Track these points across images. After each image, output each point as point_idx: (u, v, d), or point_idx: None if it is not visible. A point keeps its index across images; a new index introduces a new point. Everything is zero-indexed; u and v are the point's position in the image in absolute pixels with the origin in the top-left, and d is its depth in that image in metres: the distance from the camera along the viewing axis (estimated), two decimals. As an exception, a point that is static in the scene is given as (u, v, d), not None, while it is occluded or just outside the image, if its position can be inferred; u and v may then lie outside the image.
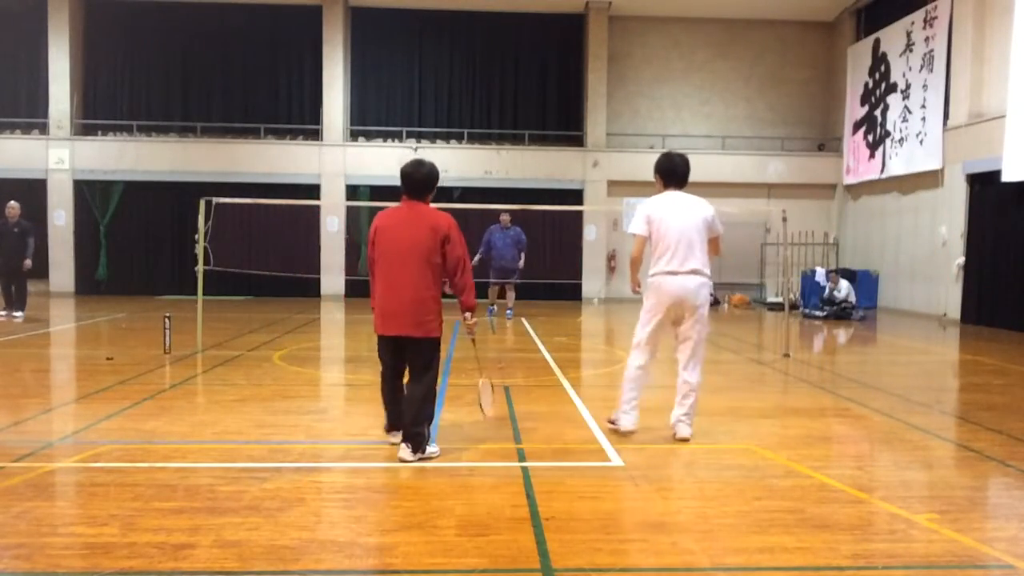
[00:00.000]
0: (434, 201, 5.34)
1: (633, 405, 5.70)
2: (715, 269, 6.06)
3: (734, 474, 4.85)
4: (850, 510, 4.20)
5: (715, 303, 19.07)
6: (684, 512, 4.14)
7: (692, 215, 5.57)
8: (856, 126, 19.57)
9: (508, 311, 14.54)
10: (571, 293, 19.51)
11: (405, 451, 4.94)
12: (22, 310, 13.02)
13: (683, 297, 5.51)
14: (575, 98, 20.84)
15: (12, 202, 13.22)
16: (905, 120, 17.35)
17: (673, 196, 5.70)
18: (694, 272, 5.51)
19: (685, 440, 5.61)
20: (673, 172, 5.76)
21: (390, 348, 5.13)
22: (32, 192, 18.71)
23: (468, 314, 5.17)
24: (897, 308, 17.70)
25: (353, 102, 20.51)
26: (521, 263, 14.25)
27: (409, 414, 4.99)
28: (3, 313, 12.92)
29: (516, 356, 10.45)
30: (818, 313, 16.16)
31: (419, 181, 5.07)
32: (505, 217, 14.15)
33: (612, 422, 5.85)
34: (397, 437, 5.18)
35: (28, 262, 12.97)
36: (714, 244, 5.75)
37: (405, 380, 5.22)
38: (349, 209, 19.58)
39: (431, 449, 5.07)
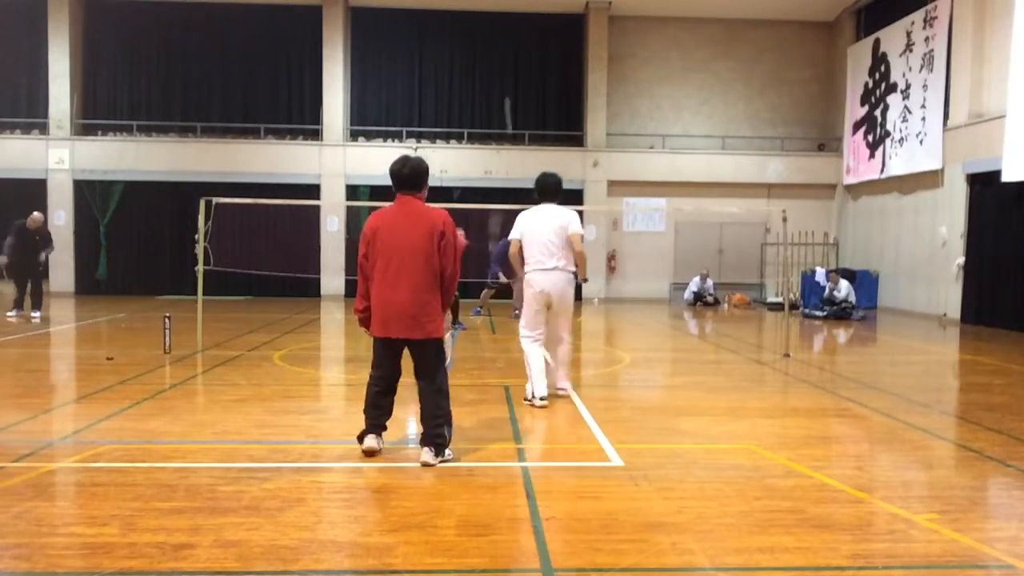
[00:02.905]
0: (434, 201, 5.33)
1: (544, 374, 6.79)
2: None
3: (734, 474, 4.85)
4: (850, 510, 4.20)
5: (715, 303, 19.09)
6: (684, 512, 4.14)
7: (551, 224, 6.72)
8: (856, 126, 19.58)
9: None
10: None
11: (427, 455, 4.84)
12: (39, 309, 13.28)
13: (550, 289, 6.73)
14: (575, 98, 20.84)
15: (36, 214, 13.53)
16: (905, 120, 17.36)
17: (541, 209, 6.83)
18: (556, 269, 6.73)
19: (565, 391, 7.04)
20: (542, 190, 6.91)
21: (389, 350, 5.03)
22: (32, 192, 18.72)
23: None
24: (897, 308, 17.70)
25: (353, 102, 20.52)
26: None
27: (426, 415, 4.93)
28: (12, 314, 13.02)
29: (516, 356, 10.45)
30: (818, 313, 16.16)
31: (407, 177, 5.03)
32: None
33: (529, 399, 6.80)
34: (372, 441, 5.07)
35: (43, 255, 13.41)
36: (572, 240, 6.72)
37: (405, 385, 5.20)
38: (349, 209, 19.58)
39: (449, 452, 4.98)
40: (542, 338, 6.94)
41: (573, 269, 6.82)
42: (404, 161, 5.08)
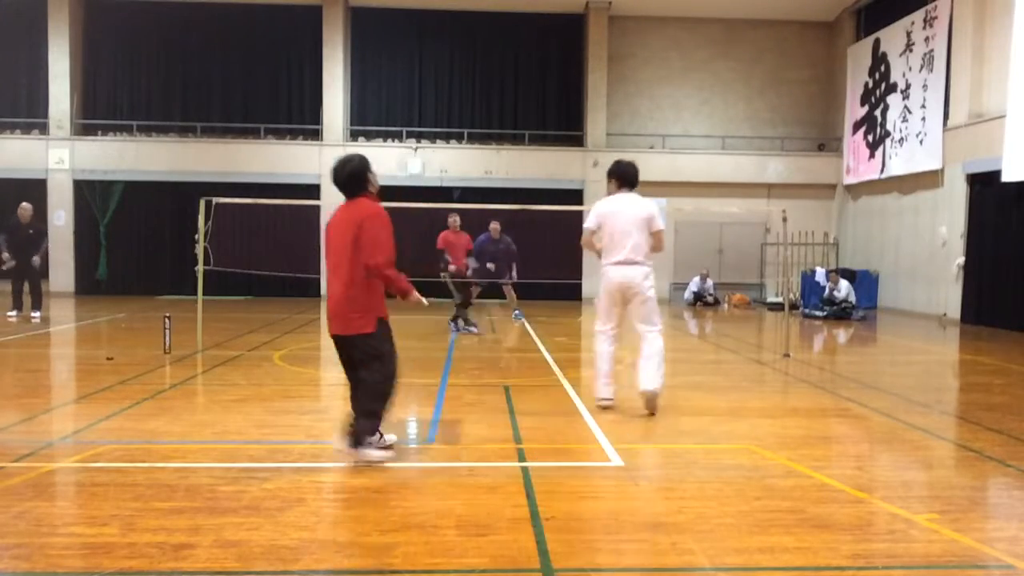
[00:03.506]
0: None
1: (609, 376, 6.64)
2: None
3: (734, 474, 4.85)
4: (850, 510, 4.21)
5: (715, 303, 19.09)
6: (684, 512, 4.14)
7: (633, 214, 6.40)
8: (856, 126, 19.57)
9: (516, 312, 14.50)
10: (571, 293, 19.50)
11: (339, 441, 4.91)
12: (39, 309, 13.23)
13: (624, 283, 6.39)
14: (575, 98, 20.84)
15: (25, 203, 13.45)
16: (905, 120, 17.35)
17: (621, 198, 6.55)
18: (633, 262, 6.37)
19: (647, 394, 6.37)
20: (624, 176, 6.64)
21: (336, 347, 5.14)
22: (32, 192, 18.70)
23: (407, 298, 5.08)
24: (897, 308, 17.70)
25: (353, 102, 20.52)
26: (514, 273, 13.79)
27: (356, 407, 4.97)
28: (12, 314, 13.01)
29: (516, 356, 10.45)
30: (818, 313, 16.15)
31: (341, 181, 5.05)
32: (495, 226, 13.65)
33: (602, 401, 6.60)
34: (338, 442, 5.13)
35: (36, 259, 13.18)
36: (655, 238, 6.50)
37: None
38: (349, 209, 19.54)
39: (377, 453, 4.89)
40: (616, 333, 6.65)
41: (650, 263, 6.49)
42: (343, 163, 5.07)
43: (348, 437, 4.91)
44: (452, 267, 12.31)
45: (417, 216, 13.40)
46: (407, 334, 12.05)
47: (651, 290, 6.44)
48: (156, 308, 14.84)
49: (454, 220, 12.57)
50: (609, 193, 6.70)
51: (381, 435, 5.01)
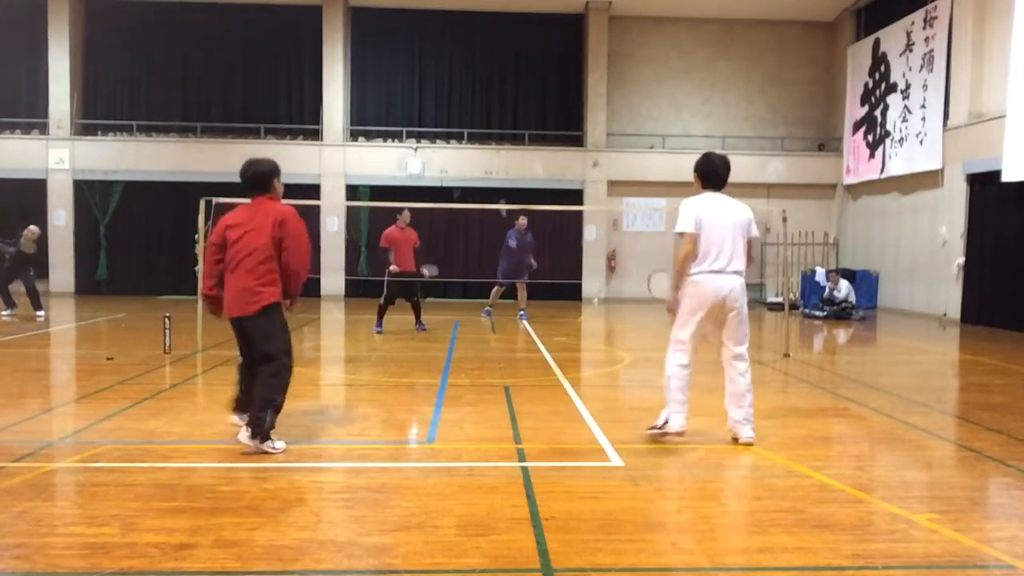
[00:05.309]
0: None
1: (686, 400, 5.61)
2: None
3: (734, 474, 4.85)
4: (850, 510, 4.20)
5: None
6: (684, 512, 4.14)
7: (732, 218, 5.63)
8: (856, 126, 19.57)
9: (521, 311, 14.47)
10: (571, 293, 19.50)
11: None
12: (41, 308, 13.42)
13: (727, 297, 5.49)
14: (575, 98, 20.83)
15: (33, 227, 13.59)
16: (905, 120, 17.35)
17: (715, 198, 5.74)
18: (734, 272, 5.54)
19: (747, 442, 5.52)
20: (716, 174, 5.84)
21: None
22: (32, 192, 18.74)
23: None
24: (897, 308, 17.70)
25: (353, 102, 20.51)
26: (532, 262, 14.21)
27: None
28: (6, 314, 13.10)
29: (516, 356, 10.45)
30: (818, 313, 16.15)
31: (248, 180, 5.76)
32: (523, 221, 13.85)
33: (658, 427, 5.60)
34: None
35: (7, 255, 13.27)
36: (750, 246, 5.76)
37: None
38: (349, 209, 19.58)
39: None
40: (695, 347, 5.63)
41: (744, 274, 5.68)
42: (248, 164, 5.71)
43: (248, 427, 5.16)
44: (393, 267, 11.74)
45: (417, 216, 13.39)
46: (408, 334, 12.05)
47: (745, 306, 5.63)
48: (156, 308, 14.83)
49: (404, 216, 12.03)
50: (697, 192, 5.87)
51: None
